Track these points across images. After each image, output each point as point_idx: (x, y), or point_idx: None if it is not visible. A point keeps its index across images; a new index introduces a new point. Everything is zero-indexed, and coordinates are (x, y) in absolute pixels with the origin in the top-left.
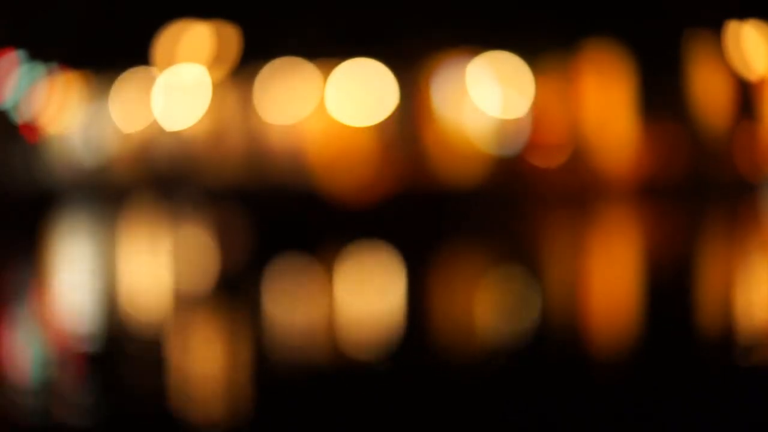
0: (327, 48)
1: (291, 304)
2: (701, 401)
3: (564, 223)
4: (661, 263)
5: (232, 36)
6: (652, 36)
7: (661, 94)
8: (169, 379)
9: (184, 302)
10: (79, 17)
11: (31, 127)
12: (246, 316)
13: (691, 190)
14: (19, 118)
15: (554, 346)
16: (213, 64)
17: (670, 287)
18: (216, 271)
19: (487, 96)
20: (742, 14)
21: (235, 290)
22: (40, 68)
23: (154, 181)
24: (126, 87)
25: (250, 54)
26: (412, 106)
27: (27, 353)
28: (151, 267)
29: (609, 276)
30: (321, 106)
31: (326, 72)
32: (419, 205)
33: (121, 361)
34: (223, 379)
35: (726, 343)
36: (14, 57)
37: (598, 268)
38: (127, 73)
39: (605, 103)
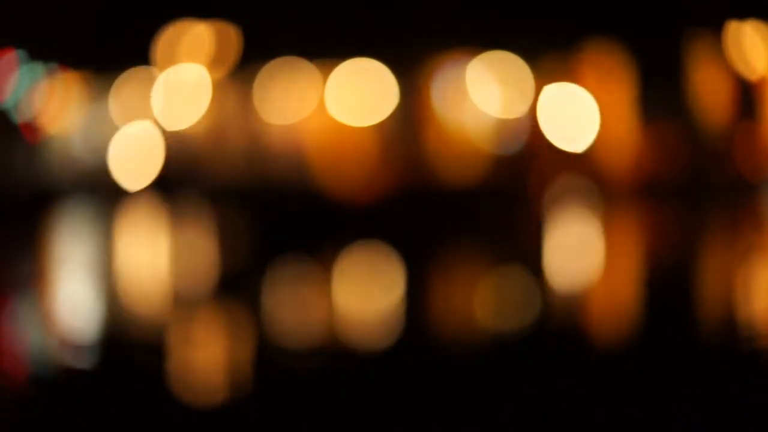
0: (327, 48)
1: (291, 304)
2: (701, 399)
3: (564, 222)
4: (661, 263)
5: (232, 36)
6: (652, 36)
7: (661, 94)
8: (169, 378)
9: (184, 302)
10: (79, 17)
11: (31, 127)
12: (246, 315)
13: (691, 190)
14: (19, 118)
15: (554, 345)
16: (213, 64)
17: (670, 287)
18: (216, 270)
19: (487, 96)
20: (742, 14)
21: (235, 290)
22: (40, 68)
23: (154, 181)
24: (126, 87)
25: (250, 54)
26: (412, 106)
27: (27, 353)
28: (151, 267)
29: (609, 275)
30: (321, 106)
31: (326, 72)
32: (419, 205)
33: (121, 361)
34: (223, 378)
35: (726, 343)
36: (14, 57)
37: (598, 267)
38: (127, 73)
39: (605, 103)
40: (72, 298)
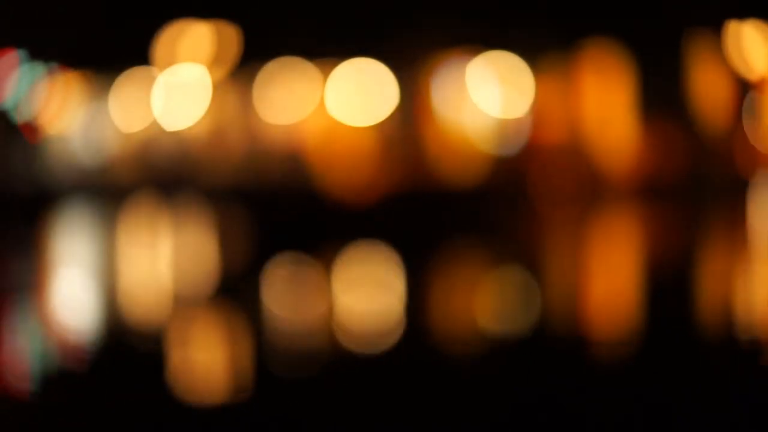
0: (327, 48)
1: (290, 304)
2: (700, 400)
3: (564, 223)
4: (661, 263)
5: (232, 36)
6: (652, 36)
7: (661, 94)
8: (169, 378)
9: (184, 302)
10: (79, 17)
11: (31, 127)
12: (245, 316)
13: (691, 190)
14: (19, 118)
15: (554, 345)
16: (213, 64)
17: (669, 287)
18: (216, 271)
19: (487, 96)
20: (742, 14)
21: (235, 290)
22: (40, 68)
23: (154, 181)
24: (126, 87)
25: (250, 54)
26: (412, 106)
27: (27, 354)
28: (151, 267)
29: (609, 276)
30: (321, 106)
31: (326, 72)
32: (419, 205)
33: (121, 361)
34: (223, 378)
35: (726, 343)
36: (14, 57)
37: (598, 267)
38: (127, 73)
39: (605, 103)
40: (71, 298)
